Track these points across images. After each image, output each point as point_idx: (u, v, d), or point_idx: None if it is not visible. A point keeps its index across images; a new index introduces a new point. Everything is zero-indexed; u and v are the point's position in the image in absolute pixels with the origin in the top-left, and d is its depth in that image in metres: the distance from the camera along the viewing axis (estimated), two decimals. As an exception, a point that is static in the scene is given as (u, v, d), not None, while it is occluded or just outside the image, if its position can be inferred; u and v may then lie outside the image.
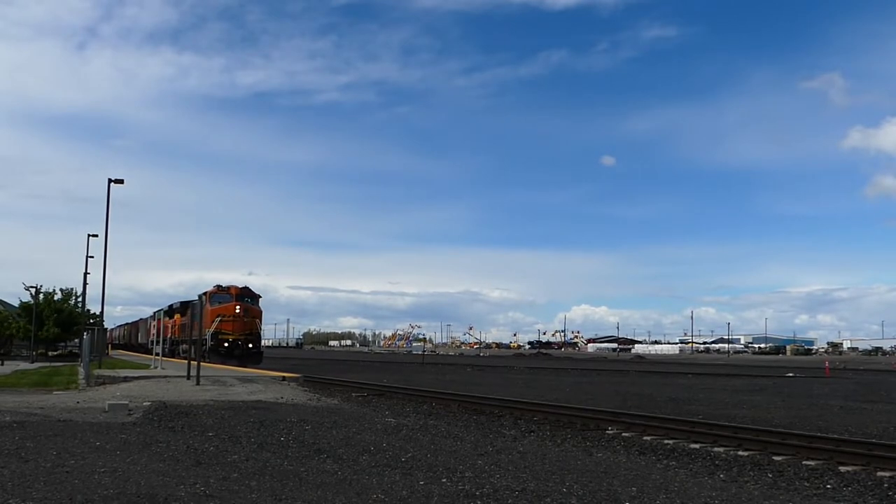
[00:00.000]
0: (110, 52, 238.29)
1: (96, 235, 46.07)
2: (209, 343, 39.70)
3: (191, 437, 12.10)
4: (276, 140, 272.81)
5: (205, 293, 43.06)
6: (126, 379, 24.76)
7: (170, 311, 51.27)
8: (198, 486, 8.17)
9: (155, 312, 56.92)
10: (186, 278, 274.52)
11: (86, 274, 53.52)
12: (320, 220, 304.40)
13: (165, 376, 26.03)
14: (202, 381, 23.35)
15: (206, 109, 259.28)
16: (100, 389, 22.21)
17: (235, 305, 42.18)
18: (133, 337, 77.18)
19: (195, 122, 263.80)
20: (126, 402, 16.67)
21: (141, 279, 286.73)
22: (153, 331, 53.38)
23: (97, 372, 27.93)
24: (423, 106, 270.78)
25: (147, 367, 33.10)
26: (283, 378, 26.42)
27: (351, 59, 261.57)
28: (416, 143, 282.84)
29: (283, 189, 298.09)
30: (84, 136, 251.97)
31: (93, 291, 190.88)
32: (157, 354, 34.42)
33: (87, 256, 52.14)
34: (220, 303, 42.54)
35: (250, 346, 41.95)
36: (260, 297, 45.02)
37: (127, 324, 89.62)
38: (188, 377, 24.48)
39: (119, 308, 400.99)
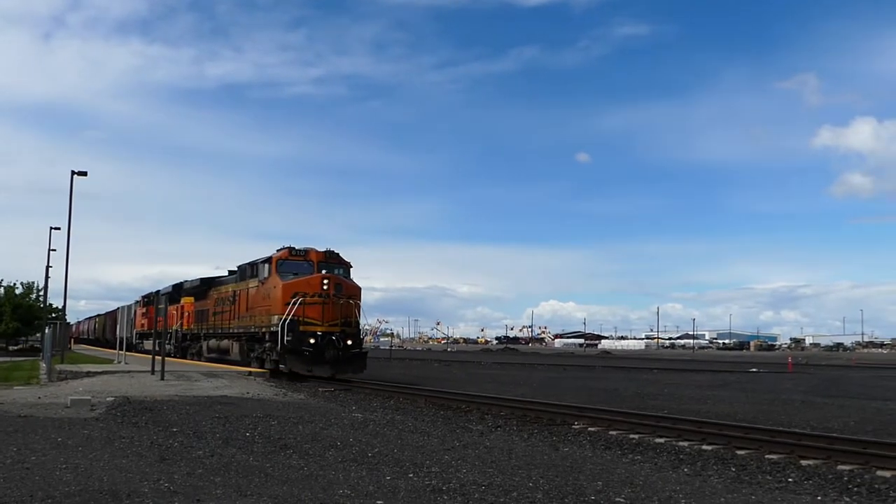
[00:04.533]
0: (78, 43, 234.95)
1: (59, 228, 45.37)
2: (284, 338, 25.84)
3: (155, 433, 11.98)
4: (246, 133, 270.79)
5: (268, 258, 28.59)
6: (89, 374, 24.47)
7: (173, 295, 39.67)
8: (162, 481, 8.09)
9: (143, 297, 48.22)
10: (152, 272, 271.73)
11: (48, 267, 52.73)
12: (289, 213, 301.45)
13: (129, 371, 25.75)
14: (167, 375, 23.12)
15: (175, 101, 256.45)
16: (62, 385, 21.92)
17: (322, 279, 26.94)
18: (109, 330, 61.07)
19: (164, 114, 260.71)
20: (89, 398, 16.46)
21: (106, 273, 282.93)
22: (143, 321, 46.08)
23: (59, 367, 27.58)
24: (395, 100, 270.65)
25: (110, 361, 32.74)
26: (249, 373, 26.26)
27: (322, 52, 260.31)
28: (388, 138, 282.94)
29: (252, 182, 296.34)
30: (51, 126, 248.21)
31: (56, 285, 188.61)
32: (123, 351, 33.95)
33: (49, 249, 51.37)
34: (295, 274, 27.50)
35: (349, 342, 26.91)
36: (351, 266, 29.12)
37: (99, 315, 76.52)
38: (152, 372, 24.24)
39: (83, 302, 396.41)
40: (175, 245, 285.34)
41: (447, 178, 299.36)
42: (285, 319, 25.95)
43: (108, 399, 16.97)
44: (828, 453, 11.13)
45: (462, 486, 8.20)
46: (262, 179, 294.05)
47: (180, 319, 38.65)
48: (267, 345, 27.68)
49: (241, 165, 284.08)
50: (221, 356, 32.63)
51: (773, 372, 44.99)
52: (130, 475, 8.42)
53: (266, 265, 28.57)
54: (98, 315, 76.63)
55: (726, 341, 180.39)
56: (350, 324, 27.28)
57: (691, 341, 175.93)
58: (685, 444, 12.56)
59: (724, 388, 28.37)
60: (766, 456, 11.30)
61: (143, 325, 46.85)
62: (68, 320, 65.51)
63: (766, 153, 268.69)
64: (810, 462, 10.74)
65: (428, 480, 8.54)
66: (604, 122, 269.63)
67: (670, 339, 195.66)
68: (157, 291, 43.80)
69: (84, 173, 36.98)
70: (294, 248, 28.23)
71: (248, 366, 28.82)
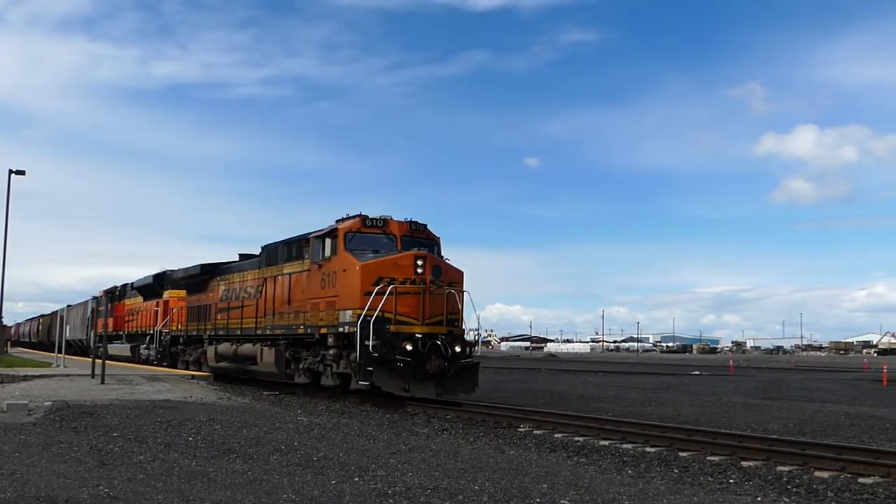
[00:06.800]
0: (19, 39, 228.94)
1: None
2: (368, 343, 17.98)
3: (94, 438, 11.73)
4: (193, 133, 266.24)
5: (331, 230, 20.37)
6: (26, 378, 23.87)
7: (154, 287, 34.23)
8: (101, 487, 7.93)
9: (106, 292, 41.34)
10: (96, 273, 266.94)
11: (-17, 269, 51.22)
12: (235, 215, 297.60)
13: (68, 375, 25.20)
14: (107, 379, 22.66)
15: (119, 100, 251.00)
16: (-2, 389, 21.35)
17: (415, 258, 19.02)
18: (57, 331, 47.57)
19: (107, 113, 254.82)
20: (26, 402, 16.06)
21: (46, 274, 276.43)
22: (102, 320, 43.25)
23: (-5, 370, 26.86)
24: (343, 102, 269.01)
25: (49, 365, 31.99)
26: (192, 376, 25.84)
27: (270, 53, 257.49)
28: (336, 140, 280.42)
29: (199, 184, 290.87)
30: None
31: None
32: (63, 354, 33.15)
33: (-15, 250, 49.90)
34: (375, 251, 19.65)
35: (457, 349, 19.12)
36: (440, 241, 21.18)
37: (42, 315, 69.93)
38: (93, 375, 23.74)
39: (21, 304, 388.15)
40: (119, 246, 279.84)
41: (396, 181, 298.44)
42: (367, 316, 18.18)
43: (46, 403, 16.56)
44: (768, 455, 11.35)
45: (408, 490, 8.18)
46: (210, 181, 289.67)
47: (165, 318, 32.45)
48: (330, 352, 20.18)
49: (188, 166, 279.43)
50: (241, 365, 25.24)
51: (715, 374, 45.74)
52: (69, 481, 8.24)
53: (328, 240, 20.40)
54: (42, 315, 71.46)
55: (670, 344, 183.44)
56: (456, 323, 19.93)
57: (636, 344, 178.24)
58: (629, 446, 12.70)
59: (667, 391, 28.76)
60: (708, 458, 11.47)
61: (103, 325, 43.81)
62: (5, 322, 63.62)
63: (710, 159, 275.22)
64: (751, 463, 10.94)
65: (374, 484, 8.50)
66: (552, 128, 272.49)
67: (615, 342, 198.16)
68: (127, 284, 38.63)
69: (22, 172, 36.25)
70: (367, 217, 20.23)
71: (291, 379, 22.78)
